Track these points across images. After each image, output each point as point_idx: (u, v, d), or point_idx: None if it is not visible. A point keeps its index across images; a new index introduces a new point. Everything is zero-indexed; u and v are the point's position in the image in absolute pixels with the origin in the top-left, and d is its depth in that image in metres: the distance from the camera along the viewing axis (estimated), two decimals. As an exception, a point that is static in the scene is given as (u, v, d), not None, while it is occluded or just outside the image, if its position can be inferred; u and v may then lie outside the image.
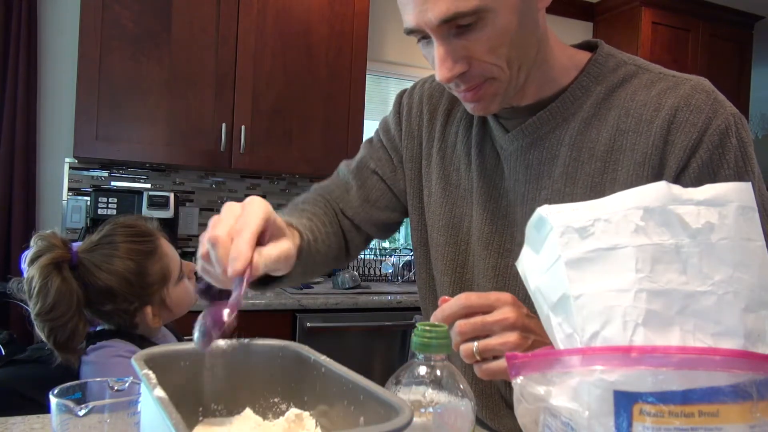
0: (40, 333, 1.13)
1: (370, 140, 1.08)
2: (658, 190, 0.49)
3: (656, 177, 0.78)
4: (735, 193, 0.48)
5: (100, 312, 1.22)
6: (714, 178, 0.77)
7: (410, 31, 0.77)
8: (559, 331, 0.48)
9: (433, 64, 0.79)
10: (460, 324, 0.68)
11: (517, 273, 0.86)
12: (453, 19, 0.72)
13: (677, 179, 0.78)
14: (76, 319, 1.13)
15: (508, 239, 0.89)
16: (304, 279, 0.92)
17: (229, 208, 0.68)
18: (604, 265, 0.47)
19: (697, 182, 0.76)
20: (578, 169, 0.83)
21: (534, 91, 0.85)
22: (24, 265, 1.15)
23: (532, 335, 0.69)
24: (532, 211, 0.86)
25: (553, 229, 0.49)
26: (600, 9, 3.67)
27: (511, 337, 0.68)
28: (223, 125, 2.56)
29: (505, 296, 0.70)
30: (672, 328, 0.44)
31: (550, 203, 0.84)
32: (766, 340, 0.45)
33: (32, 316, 1.13)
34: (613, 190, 0.79)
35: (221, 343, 0.61)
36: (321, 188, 1.07)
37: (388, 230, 1.06)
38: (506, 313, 0.68)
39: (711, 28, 3.61)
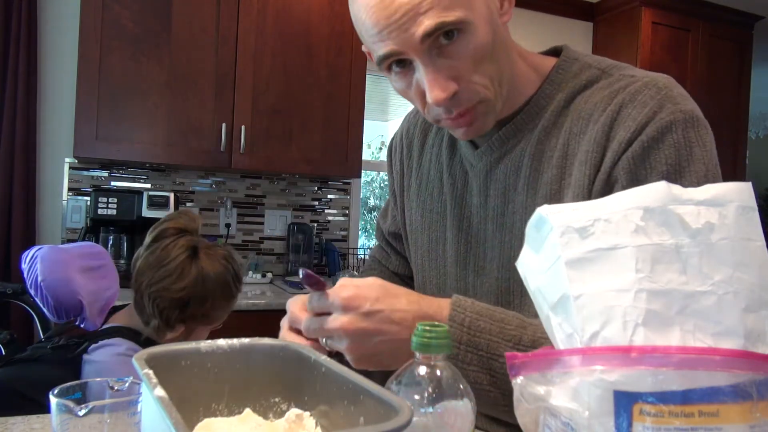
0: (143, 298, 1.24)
1: (387, 205, 1.14)
2: (658, 190, 0.49)
3: (596, 174, 0.75)
4: (735, 193, 0.48)
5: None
6: (649, 172, 0.72)
7: (386, 57, 0.74)
8: (559, 331, 0.48)
9: (410, 94, 0.78)
10: (306, 324, 0.71)
11: (488, 291, 0.88)
12: (438, 30, 0.70)
13: (609, 175, 0.74)
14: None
15: (480, 257, 0.89)
16: None
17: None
18: (604, 265, 0.47)
19: (628, 175, 0.73)
20: (538, 180, 0.81)
21: (505, 106, 0.83)
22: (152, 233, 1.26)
23: (375, 337, 0.68)
24: (502, 226, 0.87)
25: (553, 229, 0.49)
26: (600, 9, 3.67)
27: (345, 344, 0.69)
28: (223, 125, 2.56)
29: (340, 299, 0.68)
30: (672, 328, 0.44)
31: (515, 217, 0.85)
32: (766, 340, 0.45)
33: (150, 282, 1.23)
34: (568, 196, 0.77)
35: (221, 342, 0.61)
36: (375, 254, 1.16)
37: None
38: (335, 321, 0.68)
39: (711, 28, 3.61)
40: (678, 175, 0.71)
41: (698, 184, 0.68)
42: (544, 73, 0.84)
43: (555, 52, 0.88)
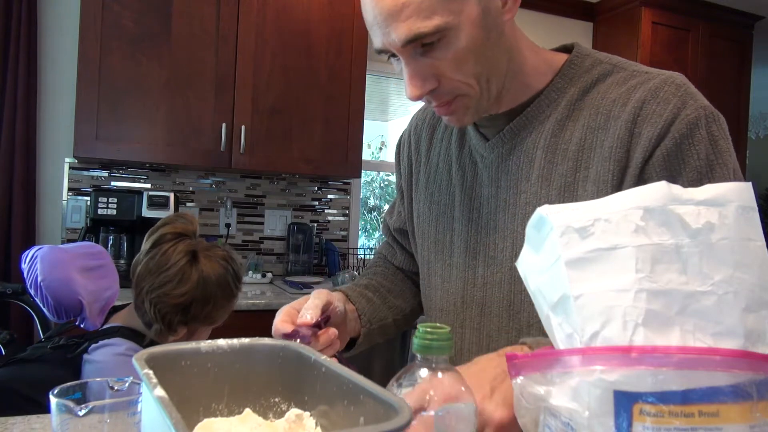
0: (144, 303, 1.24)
1: (395, 199, 1.15)
2: (658, 190, 0.49)
3: (622, 171, 0.77)
4: (735, 193, 0.48)
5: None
6: (683, 167, 0.75)
7: (380, 51, 0.79)
8: (559, 331, 0.48)
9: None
10: None
11: (500, 281, 0.87)
12: (415, 39, 0.73)
13: (642, 170, 0.77)
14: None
15: (491, 247, 0.89)
16: (381, 333, 1.02)
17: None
18: (605, 265, 0.47)
19: (664, 171, 0.76)
20: (552, 171, 0.83)
21: (510, 99, 0.86)
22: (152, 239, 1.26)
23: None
24: (514, 216, 0.87)
25: (553, 229, 0.49)
26: (600, 9, 3.67)
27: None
28: (223, 125, 2.56)
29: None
30: (672, 328, 0.44)
31: (528, 207, 0.85)
32: (766, 340, 0.45)
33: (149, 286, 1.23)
34: (585, 189, 0.80)
35: (221, 342, 0.61)
36: (381, 250, 1.17)
37: None
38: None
39: (711, 28, 3.61)
40: (709, 168, 0.75)
41: (729, 173, 0.74)
42: (556, 68, 0.86)
43: (565, 49, 0.89)
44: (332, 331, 0.81)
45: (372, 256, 1.21)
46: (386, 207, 2.22)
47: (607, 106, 0.80)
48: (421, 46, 0.74)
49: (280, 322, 0.80)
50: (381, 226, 1.18)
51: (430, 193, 1.00)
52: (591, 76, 0.84)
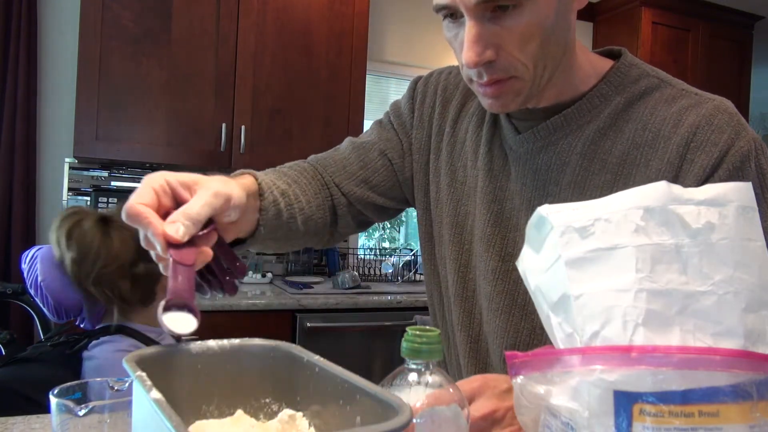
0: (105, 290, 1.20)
1: (380, 122, 1.03)
2: (659, 190, 0.49)
3: None
4: (735, 193, 0.48)
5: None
6: None
7: (440, 8, 0.74)
8: (559, 330, 0.48)
9: (455, 45, 0.77)
10: None
11: (517, 277, 0.85)
12: (494, 0, 0.69)
13: None
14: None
15: (510, 243, 0.87)
16: (276, 245, 0.87)
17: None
18: (605, 265, 0.47)
19: None
20: (587, 180, 0.81)
21: (553, 95, 0.82)
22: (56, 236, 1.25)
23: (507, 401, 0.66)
24: None
25: (553, 228, 0.49)
26: (600, 9, 3.67)
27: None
28: (223, 125, 2.56)
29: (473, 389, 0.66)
30: (672, 328, 0.44)
31: None
32: (766, 340, 0.45)
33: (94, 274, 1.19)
34: None
35: (211, 343, 0.60)
36: (316, 160, 0.99)
37: (384, 215, 1.02)
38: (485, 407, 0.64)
39: (711, 28, 3.61)
40: (761, 198, 0.74)
41: None
42: (601, 72, 0.83)
43: (611, 53, 0.87)
44: (205, 252, 0.64)
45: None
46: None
47: (657, 123, 0.79)
48: (493, 9, 0.70)
49: (139, 204, 0.61)
50: (350, 140, 1.01)
51: (453, 170, 0.94)
52: (638, 88, 0.82)
